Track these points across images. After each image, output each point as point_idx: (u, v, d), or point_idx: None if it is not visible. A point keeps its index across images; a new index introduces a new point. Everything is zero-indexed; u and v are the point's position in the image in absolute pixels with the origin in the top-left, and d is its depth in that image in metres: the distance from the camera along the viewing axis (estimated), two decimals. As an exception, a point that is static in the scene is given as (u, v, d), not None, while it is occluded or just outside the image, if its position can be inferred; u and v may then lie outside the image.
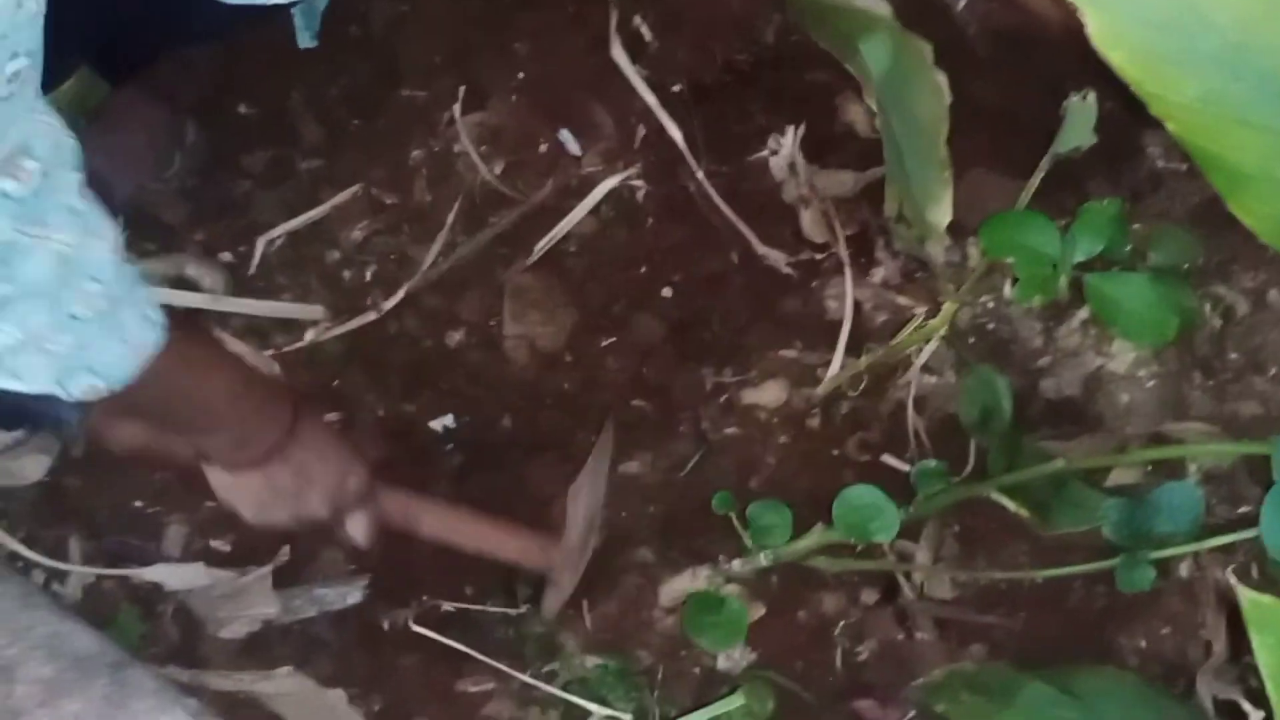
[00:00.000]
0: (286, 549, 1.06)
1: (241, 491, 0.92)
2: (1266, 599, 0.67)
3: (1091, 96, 1.22)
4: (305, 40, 1.22)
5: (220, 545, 1.07)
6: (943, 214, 1.08)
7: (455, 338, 1.18)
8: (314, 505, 0.93)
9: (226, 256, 1.20)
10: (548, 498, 1.11)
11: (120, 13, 0.83)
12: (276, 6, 0.83)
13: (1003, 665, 1.07)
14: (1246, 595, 0.67)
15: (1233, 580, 0.91)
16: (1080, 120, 1.23)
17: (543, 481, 1.12)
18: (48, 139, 0.68)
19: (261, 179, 1.22)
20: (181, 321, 0.80)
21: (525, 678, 1.02)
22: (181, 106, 1.20)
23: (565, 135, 1.25)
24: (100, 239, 0.72)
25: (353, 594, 1.05)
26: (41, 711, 0.88)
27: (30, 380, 0.74)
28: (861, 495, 1.02)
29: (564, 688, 1.02)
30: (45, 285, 0.69)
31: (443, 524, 1.01)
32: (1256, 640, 0.67)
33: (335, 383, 1.15)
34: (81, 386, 0.76)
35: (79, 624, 0.92)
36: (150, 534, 1.06)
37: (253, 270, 1.19)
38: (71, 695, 0.88)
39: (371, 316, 1.16)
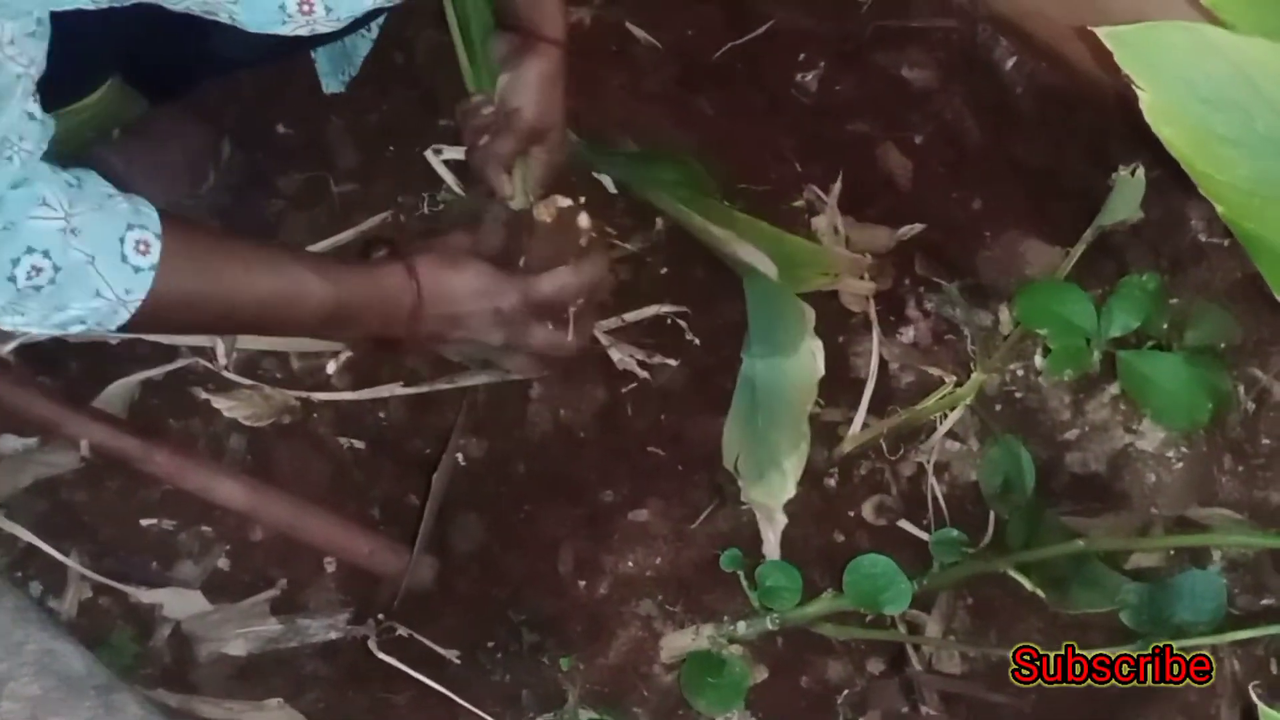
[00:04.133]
0: (284, 581, 1.05)
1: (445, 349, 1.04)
2: (1286, 712, 0.65)
3: (1140, 171, 1.20)
4: (332, 85, 1.22)
5: (223, 567, 1.06)
6: (782, 488, 1.06)
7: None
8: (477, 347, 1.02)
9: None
10: (554, 540, 1.10)
11: (149, 36, 0.82)
12: (299, 40, 0.82)
13: (1009, 747, 1.05)
14: (1266, 713, 0.64)
15: (1255, 696, 0.88)
16: (1128, 194, 1.21)
17: (550, 524, 1.11)
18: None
19: (295, 200, 1.22)
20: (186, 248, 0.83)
21: (518, 726, 1.00)
22: (222, 125, 1.21)
23: (605, 179, 1.24)
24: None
25: (347, 628, 1.04)
26: (27, 729, 0.88)
27: (30, 322, 0.78)
28: (874, 565, 1.00)
29: (557, 738, 1.00)
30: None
31: (290, 514, 1.04)
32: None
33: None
34: (78, 331, 0.79)
35: (71, 643, 0.91)
36: (153, 553, 1.05)
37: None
38: (57, 715, 0.87)
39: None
